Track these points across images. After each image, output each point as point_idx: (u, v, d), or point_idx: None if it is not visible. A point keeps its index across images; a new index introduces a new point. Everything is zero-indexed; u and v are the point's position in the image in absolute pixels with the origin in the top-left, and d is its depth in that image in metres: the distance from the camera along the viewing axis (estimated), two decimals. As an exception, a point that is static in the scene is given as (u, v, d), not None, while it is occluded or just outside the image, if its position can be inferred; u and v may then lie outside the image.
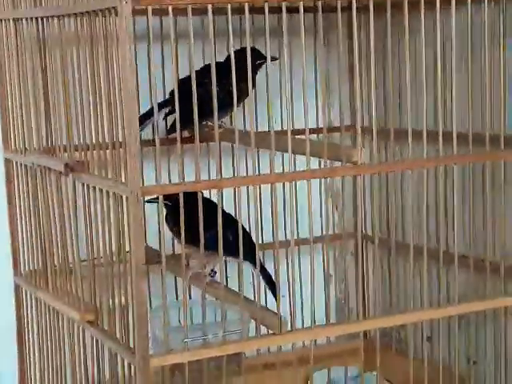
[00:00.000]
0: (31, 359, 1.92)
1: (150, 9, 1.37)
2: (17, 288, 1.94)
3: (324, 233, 2.07)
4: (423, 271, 1.65)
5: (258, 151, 1.72)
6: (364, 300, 2.25)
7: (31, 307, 1.88)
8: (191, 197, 1.49)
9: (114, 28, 1.39)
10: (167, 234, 1.76)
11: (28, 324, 1.91)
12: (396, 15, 1.58)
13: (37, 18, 1.67)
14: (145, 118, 1.90)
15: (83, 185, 1.56)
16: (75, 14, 1.49)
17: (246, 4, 1.46)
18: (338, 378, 1.99)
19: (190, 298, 1.85)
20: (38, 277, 1.81)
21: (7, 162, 1.91)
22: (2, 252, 1.97)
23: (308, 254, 1.58)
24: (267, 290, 1.77)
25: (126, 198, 1.40)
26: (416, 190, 1.64)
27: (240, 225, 1.55)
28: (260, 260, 1.70)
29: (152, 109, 1.83)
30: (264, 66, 1.90)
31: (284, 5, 1.47)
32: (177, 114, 1.46)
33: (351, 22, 1.50)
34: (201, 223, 1.48)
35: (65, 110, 1.61)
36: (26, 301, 1.90)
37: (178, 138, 1.45)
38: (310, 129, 1.55)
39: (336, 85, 2.12)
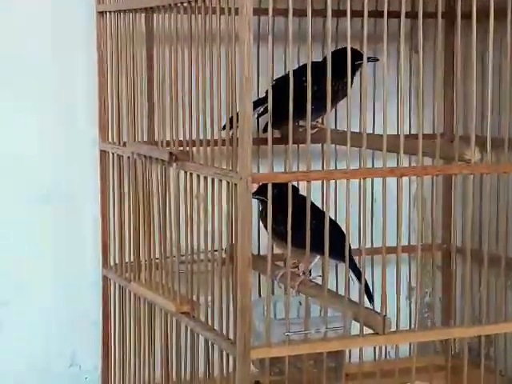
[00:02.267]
0: (114, 351, 1.91)
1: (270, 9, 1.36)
2: (104, 280, 1.94)
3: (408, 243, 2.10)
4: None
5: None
6: (449, 313, 2.20)
7: (120, 299, 1.87)
8: (286, 193, 1.47)
9: (234, 26, 1.38)
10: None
11: (115, 316, 1.90)
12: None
13: (146, 9, 1.67)
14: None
15: (186, 173, 1.54)
16: (191, 7, 1.48)
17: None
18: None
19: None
20: (129, 269, 1.80)
21: (103, 153, 1.91)
22: (93, 244, 1.97)
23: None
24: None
25: (235, 184, 1.38)
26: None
27: (327, 220, 1.51)
28: (353, 258, 1.68)
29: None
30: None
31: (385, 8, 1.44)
32: (269, 112, 1.44)
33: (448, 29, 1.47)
34: (289, 221, 1.45)
35: (170, 106, 1.60)
36: (114, 293, 1.90)
37: (290, 131, 1.43)
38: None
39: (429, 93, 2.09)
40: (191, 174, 1.54)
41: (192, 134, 1.55)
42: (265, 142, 1.58)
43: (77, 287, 2.02)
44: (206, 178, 1.49)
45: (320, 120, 1.96)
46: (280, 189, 1.50)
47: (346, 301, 1.49)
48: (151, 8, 1.64)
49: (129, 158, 1.76)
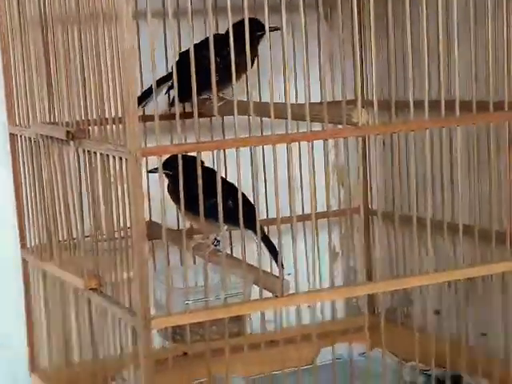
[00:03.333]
0: (39, 331, 1.92)
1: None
2: (24, 262, 1.95)
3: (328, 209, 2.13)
4: (428, 242, 1.64)
5: (261, 121, 1.74)
6: (370, 273, 2.24)
7: (38, 280, 1.89)
8: (192, 166, 1.49)
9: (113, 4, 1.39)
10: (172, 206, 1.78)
11: (35, 296, 1.92)
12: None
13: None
14: (147, 93, 1.92)
15: (84, 151, 1.56)
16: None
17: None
18: (344, 356, 1.99)
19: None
20: (43, 251, 1.82)
21: (12, 136, 1.92)
22: (11, 227, 1.98)
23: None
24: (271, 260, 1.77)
25: (126, 159, 1.40)
26: (421, 159, 1.64)
27: (240, 192, 1.54)
28: (262, 228, 1.70)
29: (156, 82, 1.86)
30: (266, 38, 1.91)
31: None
32: (175, 88, 1.47)
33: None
34: (200, 192, 1.48)
35: (66, 86, 1.61)
36: (33, 274, 1.91)
37: (177, 101, 1.45)
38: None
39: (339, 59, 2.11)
40: (88, 151, 1.55)
41: (91, 112, 1.56)
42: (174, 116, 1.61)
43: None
44: (102, 154, 1.50)
45: (227, 92, 1.99)
46: (186, 161, 1.52)
47: (245, 266, 1.51)
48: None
49: (33, 139, 1.77)
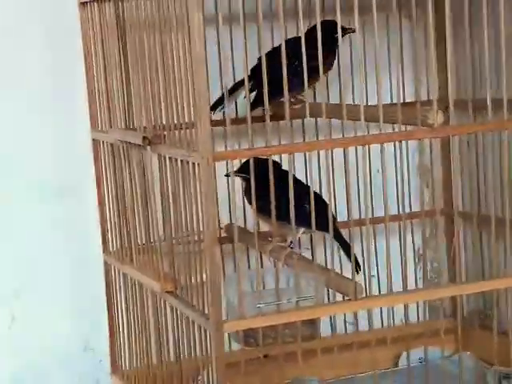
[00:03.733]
0: (120, 332, 1.96)
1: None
2: (106, 265, 1.99)
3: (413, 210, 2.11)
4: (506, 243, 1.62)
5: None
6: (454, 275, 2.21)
7: (119, 283, 1.93)
8: (267, 169, 1.50)
9: (185, 8, 1.40)
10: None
11: (116, 298, 1.96)
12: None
13: (116, -1, 1.72)
14: (221, 99, 1.93)
15: (159, 156, 1.58)
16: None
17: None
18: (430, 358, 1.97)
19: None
20: (124, 254, 1.85)
21: (94, 142, 1.96)
22: (95, 231, 2.02)
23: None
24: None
25: (198, 164, 1.42)
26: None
27: (312, 194, 1.54)
28: (337, 228, 1.70)
29: (232, 88, 1.88)
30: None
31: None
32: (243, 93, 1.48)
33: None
34: (272, 195, 1.49)
35: (141, 92, 1.64)
36: (115, 277, 1.95)
37: (248, 110, 1.46)
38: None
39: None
40: (164, 156, 1.57)
41: (166, 118, 1.58)
42: (259, 119, 1.63)
43: (85, 274, 2.09)
44: (176, 159, 1.52)
45: (304, 94, 1.99)
46: (261, 165, 1.53)
47: (317, 269, 1.51)
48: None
49: (113, 144, 1.81)
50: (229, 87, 1.87)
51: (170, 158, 1.55)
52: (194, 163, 1.44)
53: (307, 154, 1.48)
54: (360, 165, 1.71)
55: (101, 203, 1.97)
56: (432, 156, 2.24)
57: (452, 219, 2.23)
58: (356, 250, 1.76)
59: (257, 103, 1.93)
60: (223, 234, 1.97)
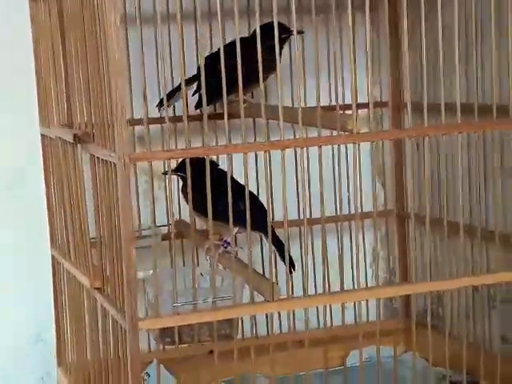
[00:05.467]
0: (65, 325, 1.98)
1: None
2: (53, 259, 2.02)
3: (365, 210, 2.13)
4: (459, 247, 1.63)
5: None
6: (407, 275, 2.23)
7: (63, 277, 1.95)
8: (204, 168, 1.51)
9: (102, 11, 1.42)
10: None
11: (62, 292, 1.98)
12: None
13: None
14: (172, 93, 1.95)
15: (90, 154, 1.60)
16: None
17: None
18: (374, 358, 1.98)
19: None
20: (66, 249, 1.87)
21: (43, 137, 1.98)
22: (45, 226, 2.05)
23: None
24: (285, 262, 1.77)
25: (115, 164, 1.43)
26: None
27: (247, 193, 1.56)
28: (274, 230, 1.71)
29: (179, 85, 1.89)
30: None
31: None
32: (182, 92, 1.49)
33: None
34: (208, 194, 1.50)
35: (75, 89, 1.66)
36: (60, 271, 1.97)
37: (184, 110, 1.48)
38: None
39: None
40: (92, 155, 1.59)
41: (94, 116, 1.60)
42: (200, 118, 1.64)
43: (36, 267, 2.12)
44: (102, 159, 1.54)
45: (250, 95, 2.01)
46: (199, 164, 1.55)
47: (236, 269, 1.53)
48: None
49: (53, 139, 1.83)
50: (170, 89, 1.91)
51: (97, 157, 1.56)
52: (113, 163, 1.46)
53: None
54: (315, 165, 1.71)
55: (48, 198, 2.00)
56: (384, 158, 2.28)
57: (404, 220, 2.26)
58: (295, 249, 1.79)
59: (200, 104, 1.96)
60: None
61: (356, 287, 1.78)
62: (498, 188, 1.73)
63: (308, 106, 1.98)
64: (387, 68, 2.13)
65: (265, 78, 1.89)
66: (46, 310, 2.10)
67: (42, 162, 2.00)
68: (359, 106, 1.53)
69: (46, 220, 2.03)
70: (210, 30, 2.07)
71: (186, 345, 1.57)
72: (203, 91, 1.52)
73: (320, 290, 1.75)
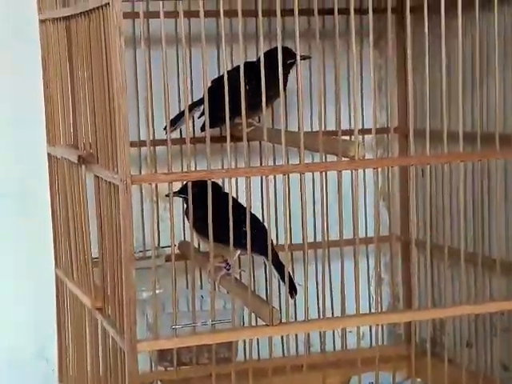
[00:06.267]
0: (69, 344, 1.99)
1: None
2: (57, 279, 2.03)
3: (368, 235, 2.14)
4: (461, 274, 1.64)
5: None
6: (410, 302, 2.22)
7: (67, 296, 1.96)
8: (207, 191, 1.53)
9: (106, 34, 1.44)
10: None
11: (66, 311, 1.99)
12: (432, 16, 1.57)
13: (65, 18, 1.75)
14: (180, 116, 1.97)
15: (94, 175, 1.61)
16: (81, 13, 1.56)
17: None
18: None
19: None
20: (69, 268, 1.88)
21: (50, 156, 2.00)
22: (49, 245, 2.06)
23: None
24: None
25: (117, 186, 1.45)
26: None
27: (249, 217, 1.56)
28: (276, 253, 1.72)
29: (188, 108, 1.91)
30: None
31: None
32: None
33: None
34: (210, 217, 1.51)
35: (81, 110, 1.67)
36: (63, 291, 1.98)
37: (188, 134, 1.49)
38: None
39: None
40: (96, 176, 1.61)
41: (98, 138, 1.61)
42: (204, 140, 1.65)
43: (40, 286, 2.13)
44: (105, 180, 1.55)
45: (257, 119, 2.02)
46: (202, 187, 1.56)
47: (235, 292, 1.53)
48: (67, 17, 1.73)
49: (59, 159, 1.85)
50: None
51: (100, 178, 1.58)
52: (116, 185, 1.47)
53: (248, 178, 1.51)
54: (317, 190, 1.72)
55: (53, 217, 2.01)
56: (389, 184, 2.28)
57: (408, 246, 2.26)
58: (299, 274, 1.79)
59: (204, 126, 1.98)
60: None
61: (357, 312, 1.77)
62: (501, 216, 1.73)
63: (314, 130, 2.01)
64: (394, 93, 2.15)
65: (271, 103, 1.91)
66: (49, 327, 2.11)
67: (49, 180, 2.01)
68: (366, 131, 1.55)
69: (50, 239, 2.05)
70: (218, 54, 2.09)
71: (184, 367, 1.57)
72: (206, 114, 1.53)
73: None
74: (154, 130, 1.90)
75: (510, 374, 1.96)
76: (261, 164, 2.01)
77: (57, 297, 2.03)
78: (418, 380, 2.08)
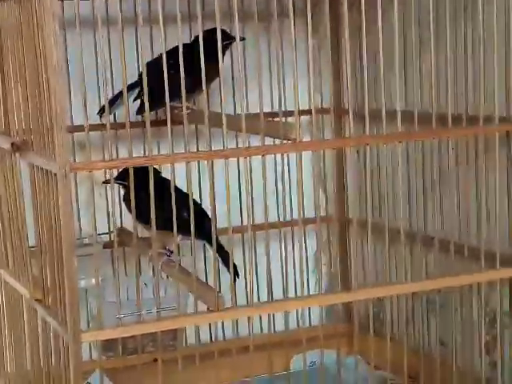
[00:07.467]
0: (5, 335, 1.95)
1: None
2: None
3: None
4: (400, 254, 1.64)
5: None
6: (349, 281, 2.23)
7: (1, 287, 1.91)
8: (147, 176, 1.50)
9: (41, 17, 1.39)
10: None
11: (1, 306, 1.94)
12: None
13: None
14: (114, 100, 1.93)
15: (29, 163, 1.57)
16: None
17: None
18: (318, 363, 1.99)
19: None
20: (3, 258, 1.83)
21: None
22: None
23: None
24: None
25: (55, 174, 1.41)
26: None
27: (191, 201, 1.54)
28: (217, 237, 1.70)
29: (121, 91, 1.87)
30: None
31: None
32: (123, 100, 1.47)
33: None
34: (151, 203, 1.49)
35: (14, 96, 1.62)
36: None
37: (127, 120, 1.45)
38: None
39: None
40: (32, 164, 1.56)
41: (33, 124, 1.57)
42: (142, 125, 1.61)
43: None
44: (41, 168, 1.51)
45: (192, 101, 1.99)
46: (140, 172, 1.53)
47: (180, 279, 1.51)
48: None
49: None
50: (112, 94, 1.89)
51: (36, 166, 1.53)
52: (53, 173, 1.43)
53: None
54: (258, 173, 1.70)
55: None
56: (326, 164, 2.28)
57: (345, 226, 2.27)
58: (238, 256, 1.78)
59: (141, 110, 1.95)
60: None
61: (299, 293, 1.77)
62: (436, 195, 1.75)
63: (250, 112, 2.00)
64: (328, 74, 2.14)
65: (207, 85, 1.89)
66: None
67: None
68: (301, 112, 1.54)
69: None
70: (151, 35, 2.05)
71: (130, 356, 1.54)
72: (146, 98, 1.49)
73: (264, 298, 1.74)
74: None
75: (447, 350, 1.98)
76: (197, 149, 1.99)
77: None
78: (358, 357, 2.10)
